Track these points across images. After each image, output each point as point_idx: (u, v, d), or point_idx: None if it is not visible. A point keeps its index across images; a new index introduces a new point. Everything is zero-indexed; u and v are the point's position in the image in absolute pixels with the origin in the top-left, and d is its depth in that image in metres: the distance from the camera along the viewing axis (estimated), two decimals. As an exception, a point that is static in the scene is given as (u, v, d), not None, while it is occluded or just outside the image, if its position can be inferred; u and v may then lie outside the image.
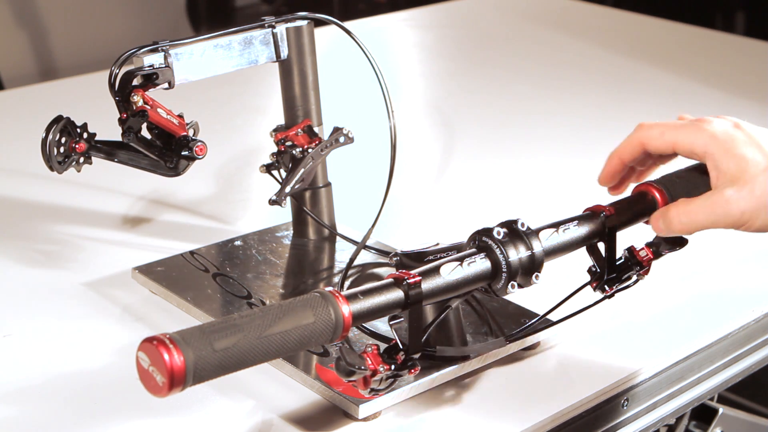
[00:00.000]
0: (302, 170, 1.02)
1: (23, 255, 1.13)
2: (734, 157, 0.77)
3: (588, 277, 0.87)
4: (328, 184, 1.11)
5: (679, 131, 0.81)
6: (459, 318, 0.89)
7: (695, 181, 0.86)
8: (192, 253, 1.09)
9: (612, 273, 0.86)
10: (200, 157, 0.96)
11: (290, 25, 1.04)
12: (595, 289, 0.87)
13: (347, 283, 1.02)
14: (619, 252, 0.86)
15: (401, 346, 0.75)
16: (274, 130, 1.06)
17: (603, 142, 1.51)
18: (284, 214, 1.15)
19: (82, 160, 0.96)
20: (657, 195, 0.87)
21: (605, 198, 0.88)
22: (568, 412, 0.87)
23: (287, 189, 1.01)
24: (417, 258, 0.87)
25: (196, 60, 0.97)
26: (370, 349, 0.74)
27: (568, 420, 0.86)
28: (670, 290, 1.06)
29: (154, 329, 0.97)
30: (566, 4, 2.35)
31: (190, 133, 0.97)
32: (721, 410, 1.13)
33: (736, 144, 0.77)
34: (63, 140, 0.94)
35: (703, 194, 0.78)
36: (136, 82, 0.93)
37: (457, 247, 0.85)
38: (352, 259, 1.02)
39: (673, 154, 0.84)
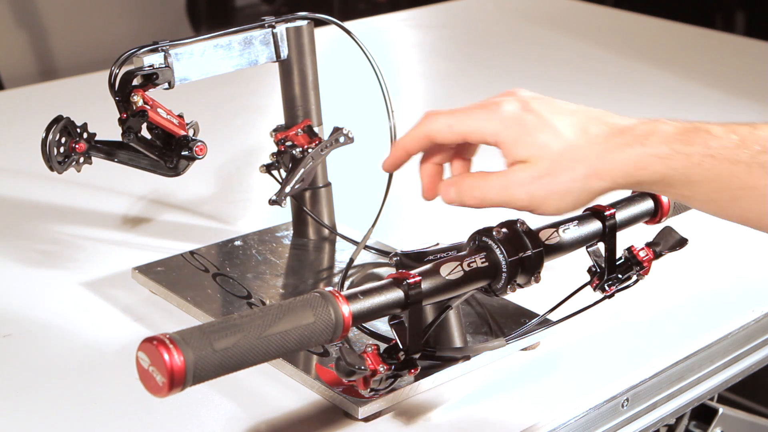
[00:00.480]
0: (302, 170, 1.02)
1: (23, 255, 1.13)
2: (524, 144, 0.72)
3: (588, 277, 0.87)
4: (328, 184, 1.11)
5: (466, 121, 0.75)
6: (459, 318, 0.89)
7: None
8: (192, 253, 1.09)
9: (612, 273, 0.86)
10: (200, 157, 0.96)
11: (290, 25, 1.04)
12: (595, 289, 0.87)
13: (347, 283, 1.02)
14: (619, 252, 0.86)
15: (401, 346, 0.75)
16: (274, 130, 1.06)
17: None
18: (284, 214, 1.15)
19: (82, 160, 0.96)
20: (659, 195, 0.87)
21: (605, 198, 0.88)
22: (568, 412, 0.87)
23: (287, 189, 1.01)
24: (417, 258, 0.87)
25: (196, 60, 0.97)
26: (370, 349, 0.74)
27: (568, 420, 0.86)
28: (670, 290, 1.06)
29: (154, 329, 0.97)
30: (566, 4, 2.35)
31: (190, 133, 0.97)
32: (721, 410, 1.13)
33: (525, 129, 0.73)
34: (63, 140, 0.94)
35: (499, 172, 0.74)
36: (136, 82, 0.93)
37: (457, 247, 0.85)
38: (352, 259, 1.02)
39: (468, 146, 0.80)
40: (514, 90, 0.77)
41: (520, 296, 0.87)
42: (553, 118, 0.73)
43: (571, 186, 0.71)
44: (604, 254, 0.85)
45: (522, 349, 0.94)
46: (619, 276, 0.86)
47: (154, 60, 0.94)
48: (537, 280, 0.78)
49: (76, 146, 0.95)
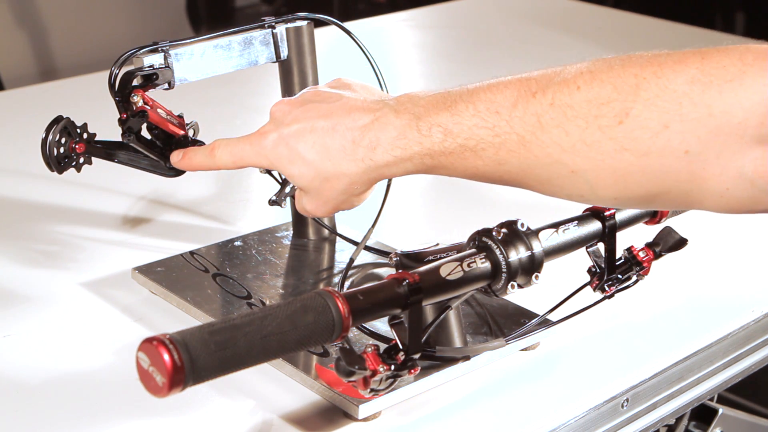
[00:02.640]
0: (302, 170, 1.02)
1: (23, 255, 1.13)
2: (290, 176, 0.81)
3: (588, 277, 0.87)
4: (328, 184, 1.11)
5: (245, 157, 0.84)
6: (459, 318, 0.89)
7: None
8: (192, 253, 1.09)
9: (612, 273, 0.86)
10: (200, 157, 0.96)
11: (290, 25, 1.04)
12: (595, 290, 0.87)
13: (347, 283, 1.02)
14: (619, 252, 0.86)
15: (401, 346, 0.75)
16: (274, 130, 1.06)
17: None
18: (284, 214, 1.15)
19: (82, 160, 0.96)
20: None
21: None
22: (568, 412, 0.87)
23: (287, 189, 1.01)
24: (417, 258, 0.87)
25: (196, 60, 0.97)
26: (370, 349, 0.74)
27: (568, 420, 0.86)
28: (670, 290, 1.06)
29: (154, 329, 0.97)
30: (566, 4, 2.35)
31: (190, 133, 0.97)
32: (721, 410, 1.13)
33: (282, 165, 0.81)
34: (63, 140, 0.94)
35: (301, 198, 0.84)
36: (136, 82, 0.93)
37: (457, 247, 0.85)
38: (352, 259, 1.02)
39: None
40: (286, 101, 0.84)
41: (520, 296, 0.87)
42: (298, 143, 0.80)
43: (341, 198, 0.81)
44: (604, 254, 0.85)
45: (522, 349, 0.94)
46: (619, 276, 0.86)
47: (154, 60, 0.94)
48: (537, 280, 0.78)
49: (76, 146, 0.95)
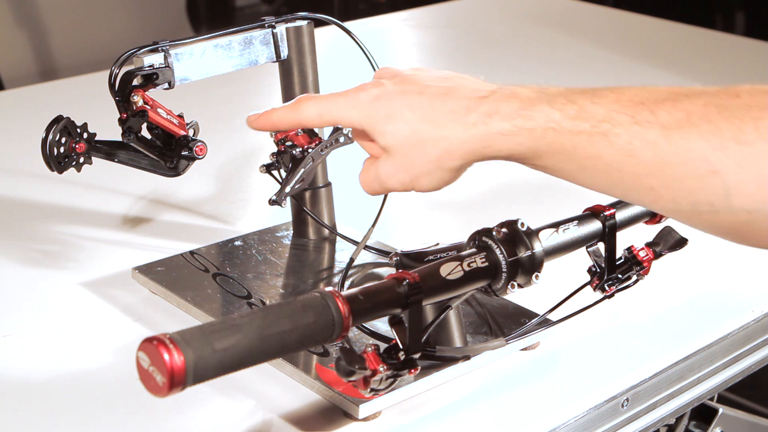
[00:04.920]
0: (302, 170, 1.02)
1: (23, 255, 1.13)
2: (381, 134, 0.75)
3: (588, 277, 0.87)
4: (328, 184, 1.11)
5: (333, 111, 0.78)
6: (459, 318, 0.89)
7: None
8: (192, 253, 1.09)
9: (612, 273, 0.86)
10: (200, 157, 0.96)
11: (290, 25, 1.04)
12: (595, 289, 0.87)
13: (347, 283, 1.02)
14: (619, 252, 0.86)
15: (401, 346, 0.75)
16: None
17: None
18: (284, 214, 1.15)
19: (82, 160, 0.96)
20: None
21: (605, 198, 0.88)
22: (568, 412, 0.87)
23: (287, 189, 1.01)
24: (417, 258, 0.87)
25: (196, 60, 0.97)
26: (370, 349, 0.74)
27: (568, 420, 0.86)
28: (670, 290, 1.06)
29: (154, 329, 0.97)
30: (566, 4, 2.35)
31: (190, 133, 0.97)
32: (721, 410, 1.13)
33: (378, 119, 0.75)
34: (63, 140, 0.94)
35: (373, 165, 0.77)
36: (136, 82, 0.93)
37: (457, 247, 0.85)
38: (352, 259, 1.02)
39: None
40: (383, 70, 0.80)
41: (520, 296, 0.87)
42: (402, 102, 0.74)
43: (428, 167, 0.74)
44: (604, 254, 0.85)
45: (522, 349, 0.94)
46: (619, 276, 0.86)
47: (154, 60, 0.94)
48: (537, 280, 0.78)
49: (76, 146, 0.95)
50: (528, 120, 0.70)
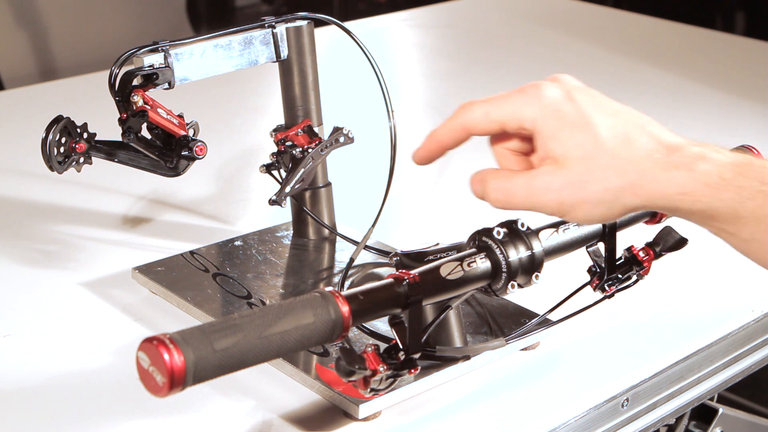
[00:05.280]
0: (302, 170, 1.02)
1: (23, 255, 1.13)
2: (559, 140, 0.66)
3: (588, 277, 0.87)
4: (328, 184, 1.11)
5: (503, 107, 0.69)
6: (459, 318, 0.89)
7: None
8: (192, 253, 1.09)
9: (612, 273, 0.86)
10: (200, 157, 0.96)
11: (290, 25, 1.04)
12: (595, 289, 0.87)
13: (347, 283, 1.02)
14: (619, 252, 0.86)
15: (401, 346, 0.75)
16: (274, 130, 1.06)
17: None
18: (284, 214, 1.15)
19: (82, 160, 0.96)
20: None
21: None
22: (568, 412, 0.87)
23: (287, 189, 1.01)
24: (417, 258, 0.87)
25: (196, 60, 0.97)
26: (370, 349, 0.74)
27: (568, 420, 0.86)
28: (670, 290, 1.06)
29: (154, 329, 0.97)
30: (566, 4, 2.35)
31: (190, 133, 0.97)
32: (721, 410, 1.13)
33: (563, 123, 0.66)
34: (63, 140, 0.94)
35: (526, 173, 0.68)
36: (136, 82, 0.93)
37: (457, 247, 0.85)
38: (352, 259, 1.02)
39: (509, 136, 0.72)
40: (558, 76, 0.70)
41: (520, 296, 0.87)
42: (596, 116, 0.66)
43: (602, 197, 0.65)
44: (604, 254, 0.85)
45: (522, 349, 0.94)
46: (619, 276, 0.86)
47: (154, 60, 0.94)
48: (537, 280, 0.78)
49: (76, 146, 0.95)
50: (739, 176, 0.63)
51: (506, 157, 0.72)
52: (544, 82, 0.69)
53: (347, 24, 1.06)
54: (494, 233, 0.78)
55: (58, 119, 0.94)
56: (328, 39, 1.63)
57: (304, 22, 1.05)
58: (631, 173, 0.64)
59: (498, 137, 0.72)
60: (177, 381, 0.62)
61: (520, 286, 0.78)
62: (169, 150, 0.96)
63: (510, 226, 0.78)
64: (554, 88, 0.68)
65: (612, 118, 0.66)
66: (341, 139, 1.04)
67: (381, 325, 0.92)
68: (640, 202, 0.65)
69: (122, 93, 0.92)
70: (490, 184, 0.70)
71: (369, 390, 0.75)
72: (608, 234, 0.84)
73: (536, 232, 0.79)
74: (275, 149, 1.05)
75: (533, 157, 0.70)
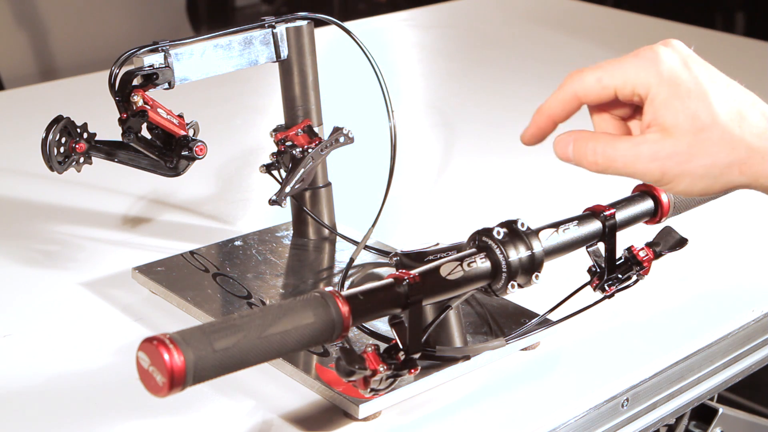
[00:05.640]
0: (302, 170, 1.02)
1: (23, 255, 1.13)
2: (672, 108, 0.65)
3: (588, 277, 0.87)
4: (328, 184, 1.11)
5: (617, 71, 0.67)
6: (459, 318, 0.89)
7: None
8: (192, 253, 1.09)
9: (612, 273, 0.86)
10: (200, 157, 0.96)
11: (290, 25, 1.04)
12: (595, 289, 0.87)
13: (347, 283, 1.02)
14: (619, 252, 0.86)
15: (401, 346, 0.75)
16: (274, 130, 1.06)
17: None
18: (284, 214, 1.15)
19: (82, 160, 0.96)
20: (658, 194, 0.87)
21: (605, 198, 0.88)
22: (568, 412, 0.87)
23: (287, 189, 1.01)
24: (417, 258, 0.87)
25: (196, 60, 0.97)
26: (370, 349, 0.74)
27: (568, 420, 0.86)
28: (670, 290, 1.06)
29: (154, 329, 0.97)
30: (566, 4, 2.35)
31: (190, 133, 0.97)
32: (721, 410, 1.13)
33: (678, 91, 0.65)
34: (63, 140, 0.94)
35: (630, 139, 0.67)
36: (136, 82, 0.93)
37: (457, 247, 0.85)
38: (352, 259, 1.02)
39: (618, 102, 0.69)
40: (670, 41, 0.69)
41: (520, 296, 0.87)
42: (711, 87, 0.65)
43: (708, 171, 0.64)
44: (604, 254, 0.85)
45: (522, 349, 0.94)
46: (619, 276, 0.86)
47: (154, 60, 0.94)
48: (537, 280, 0.78)
49: (76, 146, 0.95)
50: None
51: (605, 121, 0.71)
52: (659, 47, 0.67)
53: (347, 24, 1.06)
54: (494, 233, 0.78)
55: (58, 119, 0.94)
56: (328, 39, 1.64)
57: (304, 22, 1.05)
58: (740, 150, 0.64)
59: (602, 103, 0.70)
60: (177, 381, 0.62)
61: (520, 286, 0.78)
62: (169, 150, 0.96)
63: (510, 226, 0.78)
64: (671, 54, 0.66)
65: (726, 91, 0.65)
66: (341, 139, 1.04)
67: (381, 325, 0.92)
68: (745, 180, 0.65)
69: (122, 93, 0.92)
70: (589, 146, 0.68)
71: (369, 390, 0.75)
72: (608, 234, 0.84)
73: (536, 232, 0.79)
74: (275, 149, 1.05)
75: (633, 122, 0.69)
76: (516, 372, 0.91)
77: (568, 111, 0.70)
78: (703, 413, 1.13)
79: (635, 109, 0.71)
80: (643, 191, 0.87)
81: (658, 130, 0.65)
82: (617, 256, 0.86)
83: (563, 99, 0.70)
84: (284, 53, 1.04)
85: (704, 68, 0.67)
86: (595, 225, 0.84)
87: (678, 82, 0.65)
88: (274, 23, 1.03)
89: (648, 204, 0.87)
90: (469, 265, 0.76)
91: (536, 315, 0.94)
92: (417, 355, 0.75)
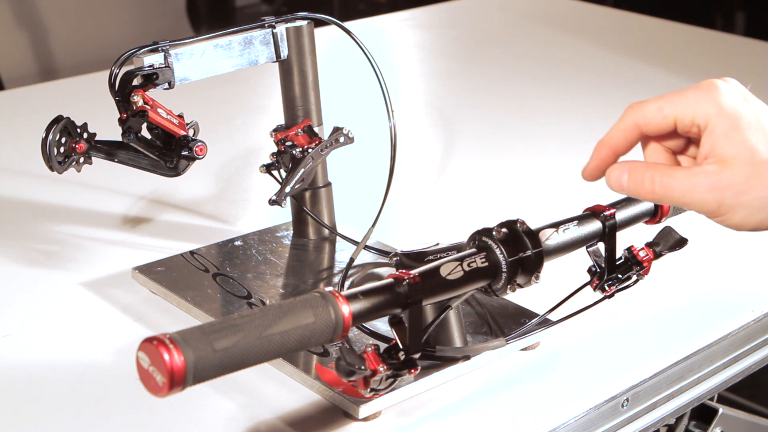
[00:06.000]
0: (302, 170, 1.02)
1: (23, 255, 1.13)
2: (732, 140, 0.66)
3: (588, 277, 0.87)
4: (328, 184, 1.11)
5: (679, 103, 0.68)
6: (459, 318, 0.89)
7: None
8: (192, 253, 1.09)
9: (612, 273, 0.86)
10: (200, 157, 0.96)
11: (290, 25, 1.04)
12: (595, 289, 0.87)
13: (347, 283, 1.02)
14: (619, 252, 0.86)
15: (401, 346, 0.75)
16: (274, 130, 1.06)
17: (603, 142, 1.50)
18: (284, 214, 1.15)
19: (82, 160, 0.96)
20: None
21: (605, 198, 0.88)
22: (568, 412, 0.87)
23: (287, 189, 1.01)
24: (417, 258, 0.87)
25: (196, 60, 0.97)
26: (370, 349, 0.74)
27: (568, 420, 0.86)
28: (670, 290, 1.06)
29: (154, 329, 0.97)
30: (566, 4, 2.35)
31: (190, 133, 0.97)
32: (721, 410, 1.13)
33: (738, 124, 0.66)
34: (63, 140, 0.94)
35: (687, 170, 0.67)
36: (136, 82, 0.93)
37: (457, 247, 0.85)
38: (352, 259, 1.02)
39: (673, 134, 0.71)
40: (727, 78, 0.70)
41: (520, 296, 0.87)
42: (766, 120, 0.67)
43: (765, 204, 0.66)
44: (604, 254, 0.85)
45: (522, 349, 0.94)
46: (619, 276, 0.86)
47: (154, 60, 0.94)
48: (537, 280, 0.78)
49: (76, 146, 0.95)
50: None
51: (657, 153, 0.71)
52: (719, 81, 0.68)
53: (347, 24, 1.06)
54: (494, 233, 0.78)
55: (58, 119, 0.94)
56: (328, 39, 1.64)
57: (304, 22, 1.05)
58: None
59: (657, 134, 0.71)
60: (177, 381, 0.62)
61: (520, 286, 0.78)
62: (169, 150, 0.96)
63: (510, 226, 0.79)
64: (731, 88, 0.68)
65: None
66: (341, 139, 1.04)
67: (381, 325, 0.92)
68: None
69: (122, 93, 0.92)
70: (646, 176, 0.68)
71: (369, 390, 0.75)
72: (608, 234, 0.84)
73: (536, 232, 0.79)
74: (275, 149, 1.05)
75: (684, 157, 0.70)
76: (516, 372, 0.91)
77: (630, 142, 0.71)
78: (703, 413, 1.13)
79: (687, 142, 0.72)
80: None
81: (716, 162, 0.66)
82: (617, 256, 0.86)
83: (625, 129, 0.71)
84: (284, 53, 1.04)
85: (761, 105, 0.68)
86: (595, 225, 0.84)
87: (738, 115, 0.66)
88: (274, 23, 1.03)
89: (648, 204, 0.88)
90: (469, 265, 0.76)
91: (536, 315, 0.94)
92: (417, 355, 0.75)
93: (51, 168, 0.95)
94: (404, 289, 0.73)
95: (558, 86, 1.75)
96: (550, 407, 0.87)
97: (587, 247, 0.85)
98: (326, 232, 1.12)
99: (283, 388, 0.88)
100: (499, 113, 1.63)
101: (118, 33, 3.53)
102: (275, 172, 1.05)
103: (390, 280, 0.74)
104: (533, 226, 0.80)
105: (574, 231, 0.82)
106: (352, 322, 0.70)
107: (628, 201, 0.87)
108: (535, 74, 1.83)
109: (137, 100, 0.92)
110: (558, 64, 1.89)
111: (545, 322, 0.93)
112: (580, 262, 0.86)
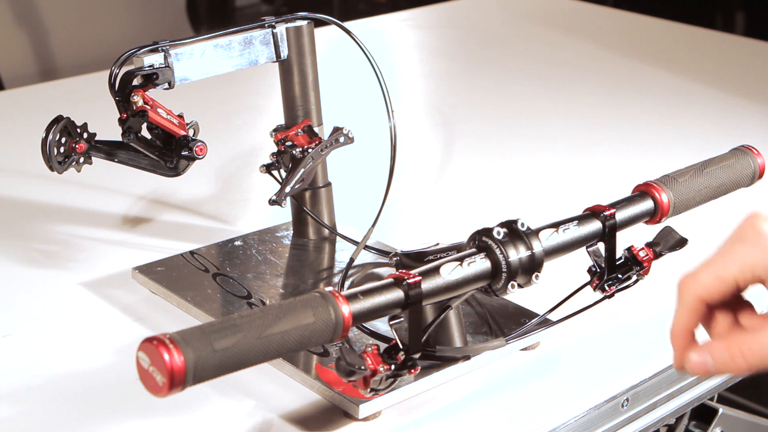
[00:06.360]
0: (302, 170, 1.02)
1: (23, 255, 1.13)
2: None
3: (588, 277, 0.87)
4: (328, 184, 1.11)
5: (732, 263, 0.67)
6: (459, 318, 0.89)
7: (698, 181, 0.87)
8: (192, 253, 1.09)
9: (612, 273, 0.86)
10: (200, 157, 0.96)
11: (290, 25, 1.04)
12: (595, 289, 0.87)
13: (347, 283, 1.02)
14: (619, 252, 0.86)
15: (401, 346, 0.75)
16: (274, 130, 1.06)
17: (603, 142, 1.51)
18: (284, 214, 1.15)
19: (82, 160, 0.96)
20: (657, 194, 0.87)
21: (605, 198, 0.88)
22: (568, 412, 0.87)
23: (287, 189, 1.01)
24: (417, 258, 0.87)
25: (196, 60, 0.97)
26: (370, 349, 0.74)
27: (568, 420, 0.86)
28: (670, 290, 1.05)
29: (154, 329, 0.97)
30: (566, 4, 2.35)
31: (190, 133, 0.97)
32: (721, 410, 1.13)
33: None
34: (63, 140, 0.94)
35: (760, 331, 0.67)
36: (136, 82, 0.93)
37: (457, 247, 0.85)
38: (352, 259, 1.02)
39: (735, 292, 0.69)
40: (759, 213, 0.69)
41: (520, 296, 0.87)
42: None
43: None
44: (604, 254, 0.85)
45: (522, 349, 0.94)
46: (619, 276, 0.86)
47: (154, 60, 0.94)
48: (537, 280, 0.78)
49: (76, 146, 0.95)
50: None
51: (719, 323, 0.70)
52: (760, 223, 0.67)
53: (347, 24, 1.06)
54: (494, 233, 0.78)
55: (58, 119, 0.94)
56: (328, 39, 1.64)
57: (304, 22, 1.05)
58: None
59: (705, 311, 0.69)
60: (177, 381, 0.62)
61: (520, 286, 0.78)
62: (169, 150, 0.96)
63: (510, 226, 0.78)
64: None
65: None
66: (341, 139, 1.04)
67: (381, 325, 0.92)
68: None
69: (122, 93, 0.92)
70: (731, 352, 0.67)
71: (369, 390, 0.75)
72: (608, 234, 0.84)
73: (536, 232, 0.79)
74: (275, 149, 1.05)
75: (742, 314, 0.69)
76: (516, 372, 0.91)
77: (699, 317, 0.70)
78: (703, 413, 1.13)
79: (737, 299, 0.71)
80: (643, 191, 0.87)
81: None
82: (617, 256, 0.86)
83: (690, 309, 0.69)
84: (284, 53, 1.04)
85: None
86: (595, 225, 0.84)
87: None
88: (274, 23, 1.03)
89: (648, 204, 0.87)
90: (469, 265, 0.76)
91: (536, 315, 0.94)
92: (417, 355, 0.75)
93: (51, 168, 0.95)
94: (404, 288, 0.73)
95: (558, 86, 1.75)
96: (550, 407, 0.87)
97: (587, 247, 0.85)
98: (326, 232, 1.12)
99: (283, 388, 0.88)
100: (499, 113, 1.63)
101: (118, 33, 3.53)
102: (275, 172, 1.05)
103: (390, 280, 0.74)
104: (533, 226, 0.80)
105: (574, 231, 0.82)
106: (352, 322, 0.70)
107: (628, 201, 0.87)
108: (535, 74, 1.83)
109: (137, 100, 0.92)
110: (558, 64, 1.89)
111: (545, 322, 0.93)
112: (580, 262, 0.86)
